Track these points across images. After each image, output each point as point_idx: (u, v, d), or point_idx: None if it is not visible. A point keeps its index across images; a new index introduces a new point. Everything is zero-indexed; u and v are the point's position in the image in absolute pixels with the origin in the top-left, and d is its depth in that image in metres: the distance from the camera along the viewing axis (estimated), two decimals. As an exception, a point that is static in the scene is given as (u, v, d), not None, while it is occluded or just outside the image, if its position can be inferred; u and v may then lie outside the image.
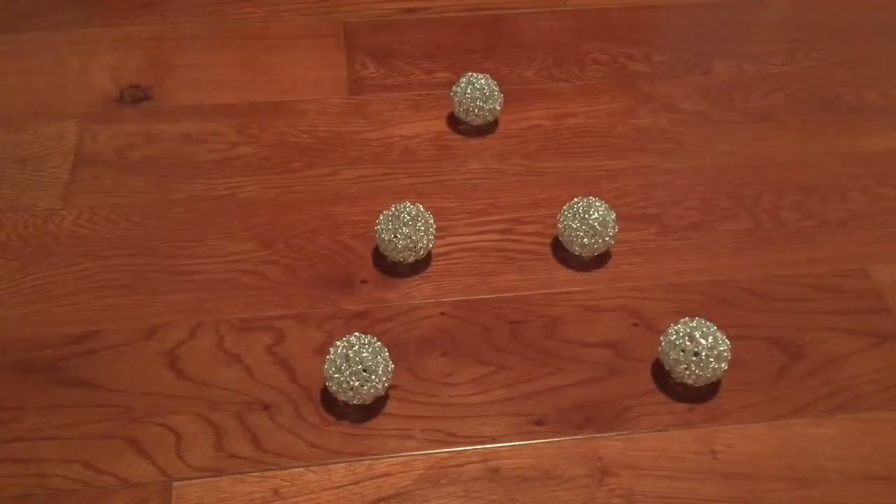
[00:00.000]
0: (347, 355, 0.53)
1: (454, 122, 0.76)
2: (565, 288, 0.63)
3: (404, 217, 0.62)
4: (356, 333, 0.55)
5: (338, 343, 0.54)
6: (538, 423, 0.55)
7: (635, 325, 0.61)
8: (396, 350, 0.59)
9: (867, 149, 0.75)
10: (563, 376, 0.58)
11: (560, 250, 0.66)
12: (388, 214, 0.63)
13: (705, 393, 0.57)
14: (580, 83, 0.82)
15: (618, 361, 0.59)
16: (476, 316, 0.61)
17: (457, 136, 0.76)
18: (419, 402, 0.56)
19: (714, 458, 0.54)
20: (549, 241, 0.67)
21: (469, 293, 0.63)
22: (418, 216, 0.62)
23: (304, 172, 0.71)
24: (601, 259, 0.65)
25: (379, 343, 0.55)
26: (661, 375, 0.58)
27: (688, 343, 0.55)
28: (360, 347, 0.54)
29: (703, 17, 0.91)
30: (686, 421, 0.56)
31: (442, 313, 0.61)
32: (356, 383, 0.53)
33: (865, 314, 0.62)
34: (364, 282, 0.63)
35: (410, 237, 0.62)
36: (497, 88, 0.75)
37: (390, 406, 0.56)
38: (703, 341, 0.55)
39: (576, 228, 0.63)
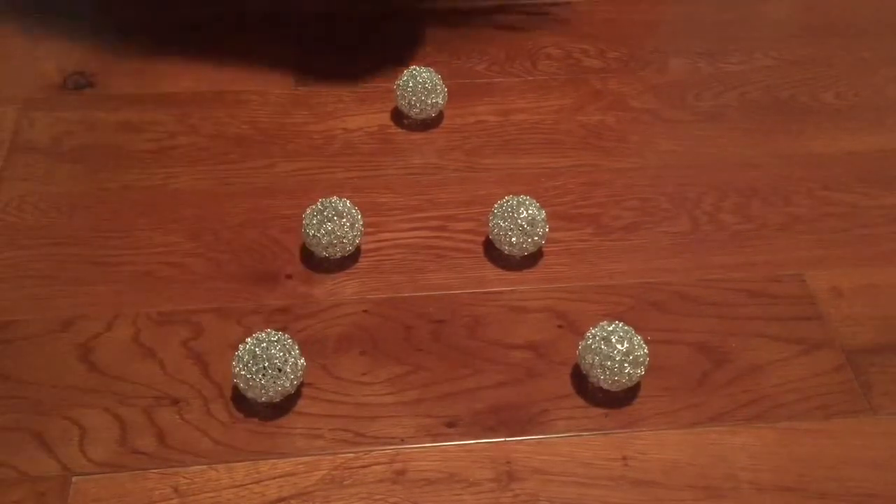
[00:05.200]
0: (255, 352, 0.53)
1: (399, 115, 0.76)
2: (493, 287, 0.62)
3: (329, 213, 0.61)
4: (267, 330, 0.54)
5: (248, 340, 0.54)
6: (450, 424, 0.54)
7: (560, 326, 0.60)
8: (314, 347, 0.58)
9: (816, 151, 0.74)
10: (481, 378, 0.57)
11: (491, 249, 0.65)
12: (313, 209, 0.62)
13: (623, 398, 0.56)
14: (531, 78, 0.80)
15: (538, 364, 0.58)
16: (399, 314, 0.60)
17: (400, 130, 0.75)
18: (331, 401, 0.55)
19: (625, 464, 0.53)
20: (481, 239, 0.66)
21: (395, 291, 0.62)
22: (344, 212, 0.61)
23: (241, 164, 0.71)
24: (532, 258, 0.64)
25: (290, 340, 0.54)
26: (580, 379, 0.57)
27: (603, 347, 0.54)
28: (269, 345, 0.53)
29: (662, 12, 0.89)
30: (601, 426, 0.55)
31: (365, 311, 0.61)
32: (263, 381, 0.52)
33: (796, 321, 0.61)
34: (289, 277, 0.62)
35: (335, 233, 0.61)
36: (440, 82, 0.74)
37: (301, 404, 0.55)
38: (618, 346, 0.54)
39: (504, 227, 0.62)
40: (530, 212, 0.62)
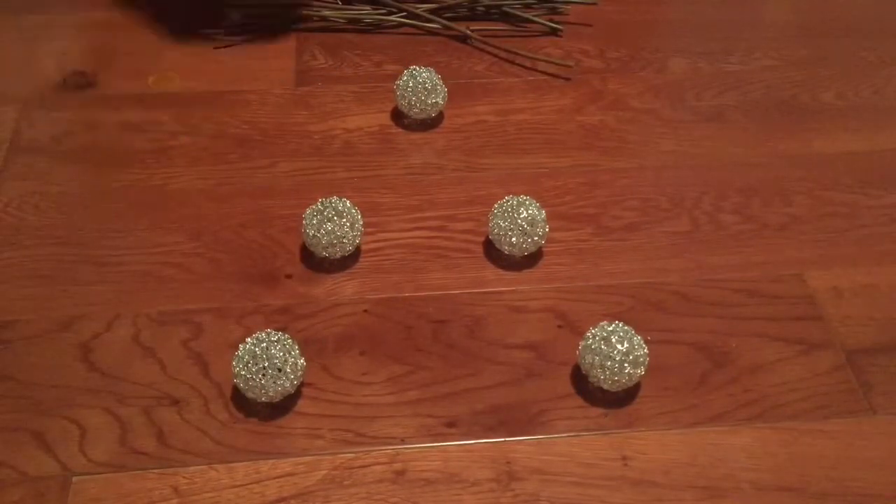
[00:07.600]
0: (255, 352, 0.53)
1: (398, 115, 0.76)
2: (493, 287, 0.62)
3: (329, 213, 0.61)
4: (267, 330, 0.54)
5: (248, 340, 0.54)
6: (450, 424, 0.54)
7: (560, 326, 0.60)
8: (314, 347, 0.58)
9: (816, 151, 0.74)
10: (481, 378, 0.57)
11: (491, 249, 0.65)
12: (313, 210, 0.62)
13: (623, 398, 0.56)
14: (531, 78, 0.80)
15: (538, 364, 0.58)
16: (399, 314, 0.60)
17: (400, 129, 0.75)
18: (331, 402, 0.55)
19: (625, 464, 0.53)
20: (481, 239, 0.66)
21: (395, 291, 0.62)
22: (344, 212, 0.61)
23: (241, 164, 0.71)
24: (532, 258, 0.64)
25: (290, 340, 0.54)
26: (580, 379, 0.57)
27: (603, 347, 0.54)
28: (269, 345, 0.53)
29: (662, 12, 0.89)
30: (601, 426, 0.55)
31: (365, 311, 0.60)
32: (263, 381, 0.52)
33: (796, 321, 0.61)
34: (289, 277, 0.62)
35: (335, 233, 0.61)
36: (440, 82, 0.74)
37: (302, 404, 0.55)
38: (618, 346, 0.54)
39: (504, 227, 0.62)
40: (530, 212, 0.62)
